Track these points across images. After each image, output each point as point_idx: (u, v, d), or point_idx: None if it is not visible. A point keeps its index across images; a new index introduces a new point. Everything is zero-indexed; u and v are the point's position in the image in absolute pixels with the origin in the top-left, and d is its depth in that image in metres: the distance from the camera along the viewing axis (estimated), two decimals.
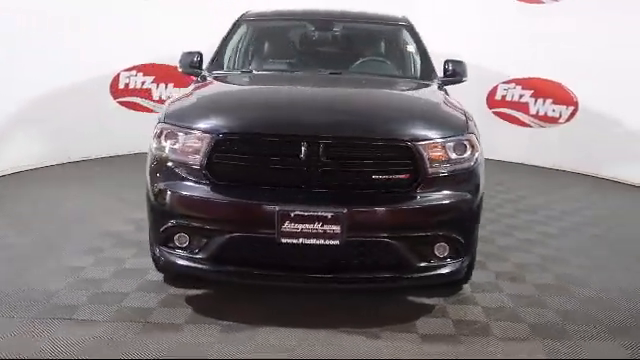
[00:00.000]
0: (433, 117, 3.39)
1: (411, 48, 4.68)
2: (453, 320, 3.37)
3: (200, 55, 4.55)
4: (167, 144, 3.30)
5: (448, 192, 3.20)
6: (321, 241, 3.02)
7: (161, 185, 3.28)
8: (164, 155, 3.30)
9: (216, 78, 4.23)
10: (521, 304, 3.62)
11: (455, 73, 4.47)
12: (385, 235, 3.10)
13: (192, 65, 4.52)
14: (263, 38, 4.95)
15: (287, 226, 3.00)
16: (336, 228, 2.99)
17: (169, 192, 3.24)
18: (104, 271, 3.92)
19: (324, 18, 4.99)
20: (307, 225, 3.00)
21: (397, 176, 3.14)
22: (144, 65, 7.88)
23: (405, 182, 3.14)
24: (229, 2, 7.80)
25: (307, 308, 3.45)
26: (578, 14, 7.17)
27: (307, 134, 3.09)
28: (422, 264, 3.20)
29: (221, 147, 3.14)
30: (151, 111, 7.91)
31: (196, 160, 3.18)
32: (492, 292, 3.76)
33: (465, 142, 3.25)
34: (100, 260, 4.11)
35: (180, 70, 4.62)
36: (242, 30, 4.77)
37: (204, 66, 4.56)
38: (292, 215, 2.99)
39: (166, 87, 8.26)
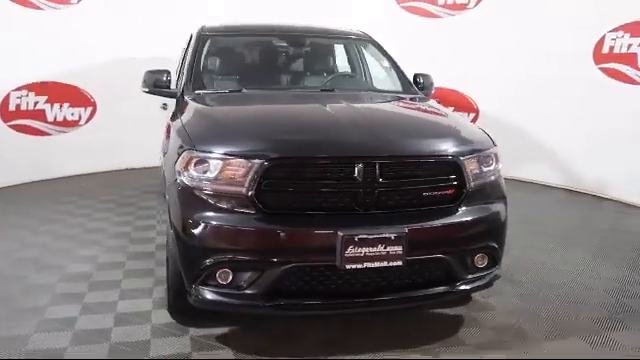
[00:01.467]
0: (465, 132, 3.45)
1: (385, 63, 4.72)
2: (489, 327, 3.47)
3: (169, 74, 4.23)
4: (201, 173, 3.04)
5: (484, 204, 3.29)
6: (384, 263, 2.96)
7: (199, 218, 3.00)
8: (198, 185, 3.04)
9: (213, 99, 3.97)
10: (533, 303, 3.80)
11: (425, 87, 4.59)
12: (440, 251, 3.10)
13: (159, 85, 4.20)
14: (232, 54, 4.73)
15: (351, 251, 2.90)
16: (399, 249, 2.95)
17: (211, 225, 2.99)
18: None
19: (291, 33, 4.87)
20: (371, 249, 2.93)
21: (444, 192, 3.17)
22: (36, 84, 7.21)
23: (451, 197, 3.18)
24: (129, 15, 7.59)
25: (353, 335, 3.36)
26: None
27: (362, 155, 3.02)
28: (469, 276, 3.24)
29: (270, 173, 2.95)
30: (47, 134, 7.28)
31: (241, 189, 2.96)
32: (498, 295, 3.89)
33: (492, 155, 3.35)
34: None
35: (145, 90, 4.27)
36: (206, 46, 4.50)
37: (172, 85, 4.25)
38: (356, 239, 2.90)
39: (61, 108, 7.60)
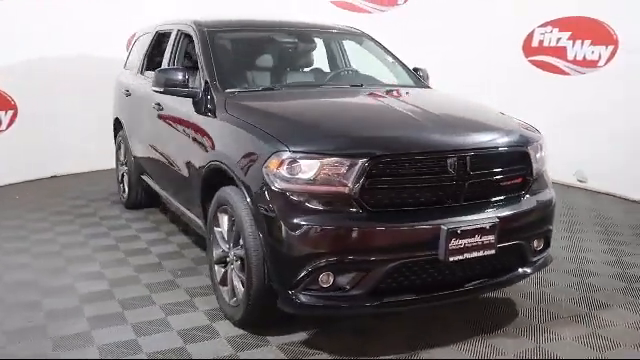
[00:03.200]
0: (519, 124, 3.62)
1: (387, 57, 4.78)
2: (528, 309, 3.67)
3: (186, 72, 3.99)
4: (297, 174, 2.93)
5: (542, 190, 3.49)
6: (480, 253, 3.05)
7: (299, 222, 2.90)
8: (294, 187, 2.93)
9: (258, 97, 3.82)
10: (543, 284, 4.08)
11: (424, 79, 4.74)
12: (519, 236, 3.26)
13: (178, 84, 3.95)
14: (243, 51, 4.54)
15: (454, 243, 2.97)
16: (492, 238, 3.06)
17: (314, 228, 2.89)
18: None
19: (297, 29, 4.78)
20: (470, 239, 3.01)
21: (515, 181, 3.32)
22: None
23: (520, 186, 3.34)
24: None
25: (432, 327, 3.41)
26: None
27: (456, 148, 3.08)
28: (534, 258, 3.43)
29: (372, 171, 2.92)
30: None
31: (344, 188, 2.90)
32: None
33: (542, 143, 3.57)
34: None
35: (158, 90, 4.00)
36: (216, 43, 4.28)
37: None
38: (459, 231, 2.96)
39: None
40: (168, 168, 4.45)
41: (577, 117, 6.59)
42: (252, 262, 3.10)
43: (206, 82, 3.90)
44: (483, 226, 3.03)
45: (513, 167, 3.30)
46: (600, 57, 6.61)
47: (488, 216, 3.09)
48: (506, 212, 3.18)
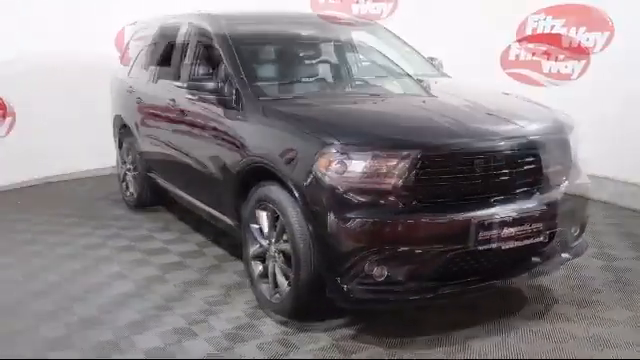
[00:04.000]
0: (554, 111, 3.64)
1: (407, 48, 4.76)
2: (561, 295, 3.70)
3: (219, 81, 3.92)
4: (347, 170, 2.90)
5: (579, 175, 3.52)
6: (531, 240, 3.08)
7: (352, 216, 2.88)
8: (345, 183, 2.90)
9: (296, 99, 3.81)
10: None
11: (439, 68, 4.74)
12: (562, 223, 3.28)
13: (207, 89, 3.88)
14: (263, 51, 4.45)
15: (505, 231, 2.98)
16: (541, 225, 3.09)
17: (366, 222, 2.87)
18: None
19: (316, 22, 4.73)
20: (520, 227, 3.03)
21: (557, 167, 3.34)
22: None
23: (561, 172, 3.36)
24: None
25: (473, 314, 3.42)
26: None
27: (505, 139, 3.10)
28: (573, 244, 3.47)
29: (423, 164, 2.91)
30: None
31: (393, 183, 2.89)
32: None
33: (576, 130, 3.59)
34: None
35: (193, 97, 3.94)
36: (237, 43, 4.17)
37: None
38: (510, 220, 2.98)
39: None
40: (188, 167, 4.36)
41: None
42: (301, 257, 3.07)
43: (240, 89, 3.80)
44: (531, 214, 3.05)
45: (555, 154, 3.31)
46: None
47: (535, 204, 3.11)
48: (551, 199, 3.19)
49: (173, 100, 4.47)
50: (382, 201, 2.89)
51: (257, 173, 3.47)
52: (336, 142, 2.94)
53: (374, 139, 3.01)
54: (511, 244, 3.01)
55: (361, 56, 4.99)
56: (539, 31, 6.89)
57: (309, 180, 2.99)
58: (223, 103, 3.84)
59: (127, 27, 7.68)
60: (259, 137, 3.49)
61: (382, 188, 2.88)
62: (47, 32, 6.85)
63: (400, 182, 2.87)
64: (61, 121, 6.99)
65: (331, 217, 2.91)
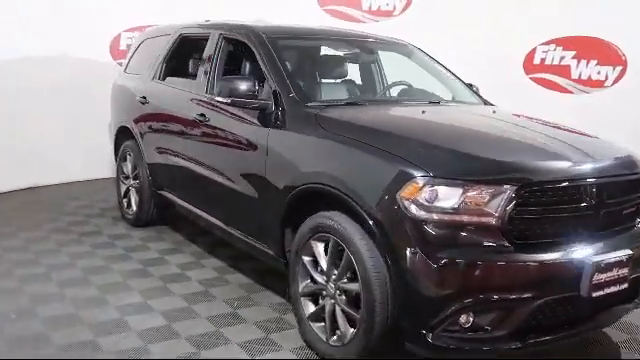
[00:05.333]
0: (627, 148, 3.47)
1: (443, 70, 4.56)
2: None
3: (254, 82, 3.63)
4: (437, 202, 2.64)
5: None
6: (617, 287, 2.87)
7: (442, 255, 2.62)
8: (435, 216, 2.64)
9: (353, 113, 3.48)
10: None
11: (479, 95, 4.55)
12: None
13: (243, 95, 3.59)
14: (305, 62, 4.19)
15: (596, 278, 2.77)
16: (626, 270, 2.89)
17: (461, 263, 2.62)
18: None
19: (356, 39, 4.49)
20: (610, 273, 2.82)
21: (635, 208, 3.16)
22: None
23: (635, 213, 3.19)
24: None
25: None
26: None
27: (599, 176, 2.89)
28: None
29: (520, 199, 2.67)
30: None
31: (489, 218, 2.64)
32: None
33: None
34: None
35: (224, 102, 3.62)
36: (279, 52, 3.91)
37: None
38: (602, 265, 2.77)
39: None
40: (218, 187, 4.02)
41: None
42: (376, 300, 2.77)
43: (276, 93, 3.53)
44: (621, 258, 2.84)
45: (636, 194, 3.13)
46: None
47: (622, 247, 2.90)
48: (634, 242, 3.00)
49: (202, 115, 4.14)
50: (481, 238, 2.63)
51: (313, 197, 3.17)
52: (426, 167, 2.68)
53: (472, 164, 2.76)
54: (601, 291, 2.78)
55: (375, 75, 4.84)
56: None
57: (389, 210, 2.71)
58: (268, 117, 3.55)
59: (123, 33, 7.34)
60: (316, 154, 3.19)
61: (482, 223, 2.62)
62: (35, 37, 6.47)
63: (503, 216, 2.61)
64: (50, 129, 6.57)
65: (417, 256, 2.64)
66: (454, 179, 2.65)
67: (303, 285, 3.24)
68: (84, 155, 6.93)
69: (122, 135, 5.57)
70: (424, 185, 2.64)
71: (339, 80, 4.44)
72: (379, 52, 4.67)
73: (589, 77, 6.88)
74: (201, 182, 4.26)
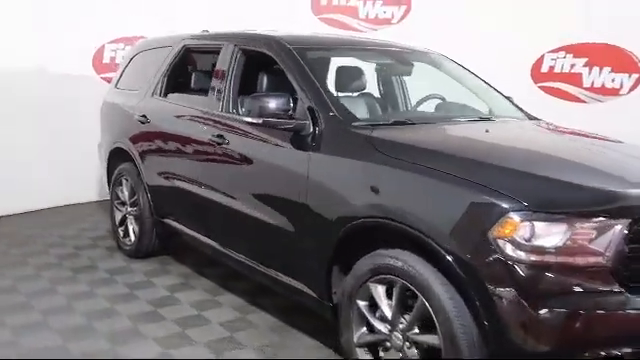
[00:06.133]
0: None
1: (480, 82, 4.18)
2: None
3: (289, 100, 3.20)
4: (537, 240, 2.24)
5: None
6: None
7: (546, 304, 2.22)
8: (535, 258, 2.24)
9: (408, 133, 3.05)
10: None
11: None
12: None
13: (276, 114, 3.15)
14: (339, 75, 3.73)
15: None
16: None
17: (567, 313, 2.23)
18: None
19: (390, 49, 4.08)
20: None
21: None
22: None
23: None
24: None
25: None
26: None
27: None
28: None
29: (633, 235, 2.29)
30: None
31: (599, 258, 2.24)
32: None
33: None
34: None
35: (255, 122, 3.18)
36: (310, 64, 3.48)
37: None
38: None
39: None
40: (240, 218, 3.56)
41: None
42: (460, 353, 2.34)
43: (313, 111, 3.09)
44: None
45: None
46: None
47: None
48: None
49: (220, 137, 3.67)
50: (588, 282, 2.25)
51: (371, 232, 2.75)
52: (523, 200, 2.27)
53: (575, 194, 2.37)
54: None
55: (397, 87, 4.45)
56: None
57: (478, 251, 2.30)
58: (304, 139, 3.12)
59: (107, 45, 6.80)
60: (375, 182, 2.73)
61: (590, 263, 2.24)
62: (8, 49, 5.88)
63: (615, 254, 2.23)
64: (25, 148, 6.01)
65: (514, 305, 2.24)
66: (557, 213, 2.25)
67: (359, 334, 2.81)
68: (63, 177, 6.33)
69: (116, 157, 5.05)
70: (522, 221, 2.23)
71: (356, 94, 4.01)
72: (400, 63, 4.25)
73: (602, 85, 6.62)
74: (217, 211, 3.79)
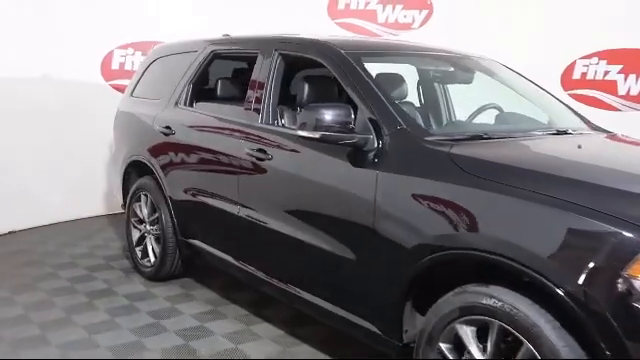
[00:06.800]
0: None
1: (535, 87, 3.83)
2: None
3: (350, 112, 2.83)
4: None
5: None
6: None
7: None
8: None
9: (499, 150, 2.68)
10: None
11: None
12: None
13: (335, 128, 2.78)
14: (396, 84, 3.38)
15: None
16: None
17: None
18: None
19: (452, 55, 3.73)
20: None
21: None
22: None
23: None
24: None
25: None
26: None
27: None
28: None
29: None
30: None
31: None
32: None
33: None
34: None
35: (313, 136, 2.80)
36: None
37: None
38: None
39: None
40: (287, 242, 3.19)
41: None
42: None
43: (376, 124, 2.75)
44: None
45: None
46: None
47: None
48: None
49: (261, 151, 3.31)
50: None
51: (457, 265, 2.42)
52: None
53: None
54: None
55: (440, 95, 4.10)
56: None
57: (610, 293, 1.95)
58: (365, 156, 2.77)
59: (116, 50, 6.41)
60: (466, 208, 2.36)
61: None
62: (12, 55, 5.50)
63: None
64: (25, 160, 5.61)
65: None
66: None
67: None
68: (64, 190, 5.92)
69: (134, 171, 4.66)
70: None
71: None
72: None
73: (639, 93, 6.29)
74: (256, 233, 3.42)
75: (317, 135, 2.76)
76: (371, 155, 2.74)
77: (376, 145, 2.73)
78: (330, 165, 2.90)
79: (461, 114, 4.18)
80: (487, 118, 3.67)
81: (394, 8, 7.31)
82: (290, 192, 3.19)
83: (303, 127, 2.82)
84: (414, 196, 2.52)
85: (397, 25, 7.31)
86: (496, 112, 3.61)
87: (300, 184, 3.10)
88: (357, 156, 2.80)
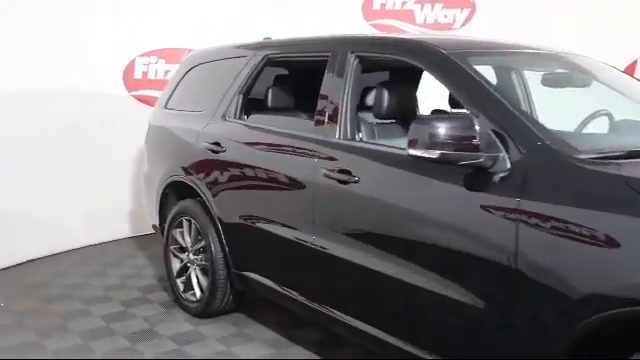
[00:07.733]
0: None
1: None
2: None
3: (473, 124, 2.30)
4: None
5: None
6: None
7: None
8: None
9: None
10: None
11: None
12: None
13: (455, 144, 2.25)
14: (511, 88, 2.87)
15: None
16: None
17: None
18: None
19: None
20: None
21: None
22: None
23: None
24: None
25: None
26: None
27: None
28: None
29: None
30: None
31: None
32: None
33: None
34: None
35: (430, 156, 2.27)
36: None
37: None
38: None
39: None
40: (384, 282, 2.66)
41: None
42: None
43: (504, 140, 2.20)
44: None
45: None
46: None
47: None
48: None
49: (346, 172, 2.77)
50: None
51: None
52: None
53: None
54: None
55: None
56: None
57: None
58: (490, 178, 2.26)
59: (139, 58, 5.88)
60: None
61: None
62: (26, 67, 4.99)
63: None
64: (42, 180, 5.09)
65: None
66: None
67: None
68: (83, 212, 5.39)
69: (172, 192, 4.12)
70: None
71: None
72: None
73: None
74: (342, 270, 2.89)
75: (435, 155, 2.23)
76: (500, 177, 2.21)
77: (509, 166, 2.20)
78: (445, 190, 2.37)
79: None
80: (595, 127, 3.16)
81: (433, 7, 6.84)
82: (385, 222, 2.66)
83: (414, 145, 2.28)
84: (576, 232, 1.98)
85: (437, 25, 6.83)
86: (607, 119, 3.07)
87: (401, 213, 2.57)
88: (478, 178, 2.27)
